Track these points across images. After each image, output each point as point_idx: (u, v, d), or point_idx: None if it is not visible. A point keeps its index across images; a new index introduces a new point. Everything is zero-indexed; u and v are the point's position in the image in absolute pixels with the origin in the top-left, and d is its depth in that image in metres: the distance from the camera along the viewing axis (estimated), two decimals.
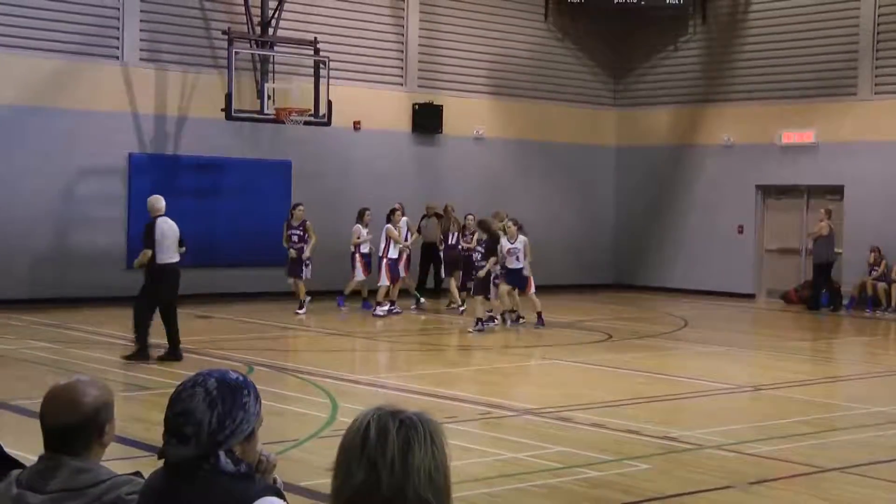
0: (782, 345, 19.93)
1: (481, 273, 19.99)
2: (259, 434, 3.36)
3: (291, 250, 22.00)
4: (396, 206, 22.62)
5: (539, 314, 20.19)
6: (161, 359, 15.30)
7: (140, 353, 15.34)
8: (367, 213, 22.63)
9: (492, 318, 19.95)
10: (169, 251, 15.40)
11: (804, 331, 22.71)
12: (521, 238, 20.03)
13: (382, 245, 22.21)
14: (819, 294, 25.28)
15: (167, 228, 15.49)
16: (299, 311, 21.54)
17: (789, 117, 27.00)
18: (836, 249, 25.30)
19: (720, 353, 18.02)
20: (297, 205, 22.49)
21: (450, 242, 23.64)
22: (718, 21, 28.79)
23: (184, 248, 15.80)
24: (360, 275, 22.45)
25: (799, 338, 21.17)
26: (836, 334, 22.73)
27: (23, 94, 21.95)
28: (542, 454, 10.16)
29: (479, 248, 21.22)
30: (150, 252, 15.43)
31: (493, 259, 19.84)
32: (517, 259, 19.94)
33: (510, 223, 20.08)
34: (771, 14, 27.67)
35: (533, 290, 20.32)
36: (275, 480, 3.42)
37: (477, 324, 19.53)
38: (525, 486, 9.02)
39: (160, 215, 15.63)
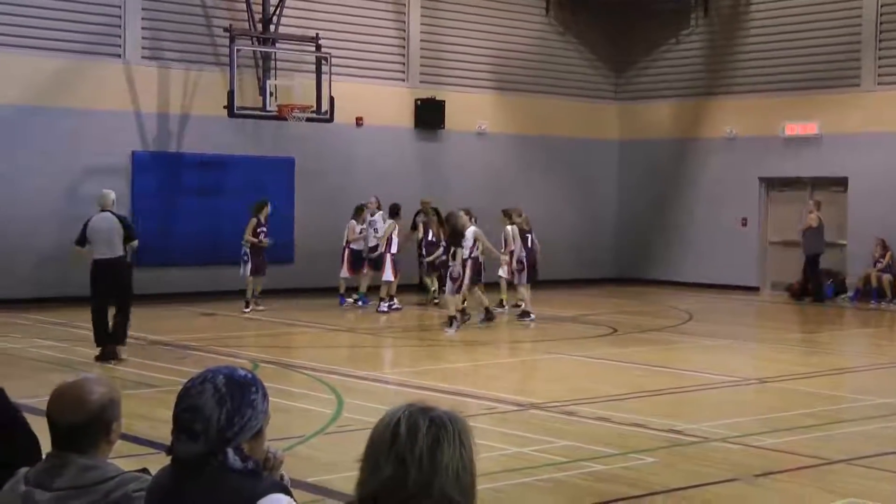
0: (787, 337, 19.94)
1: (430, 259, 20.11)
2: (266, 431, 3.38)
3: (256, 247, 21.41)
4: (371, 200, 22.55)
5: (487, 309, 19.91)
6: (98, 359, 14.90)
7: (103, 354, 14.97)
8: (366, 209, 22.59)
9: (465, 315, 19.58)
10: (100, 247, 15.07)
11: (809, 323, 22.70)
12: (471, 229, 19.75)
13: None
14: (822, 286, 25.35)
15: (97, 223, 15.15)
16: (247, 310, 21.26)
17: (792, 109, 26.97)
18: (825, 241, 25.40)
19: (725, 346, 18.02)
20: (267, 201, 21.97)
21: (429, 239, 23.43)
22: (720, 13, 28.76)
23: (135, 242, 15.48)
24: (345, 272, 22.70)
25: (804, 330, 21.17)
26: (841, 326, 22.72)
27: (26, 93, 21.96)
28: (548, 448, 10.17)
29: (442, 243, 21.37)
30: (78, 248, 15.38)
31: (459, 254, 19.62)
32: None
33: (462, 213, 19.92)
34: (773, 5, 27.64)
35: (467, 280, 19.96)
36: (282, 477, 3.43)
37: (451, 323, 19.13)
38: (530, 480, 9.03)
39: (102, 211, 15.33)
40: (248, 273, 21.22)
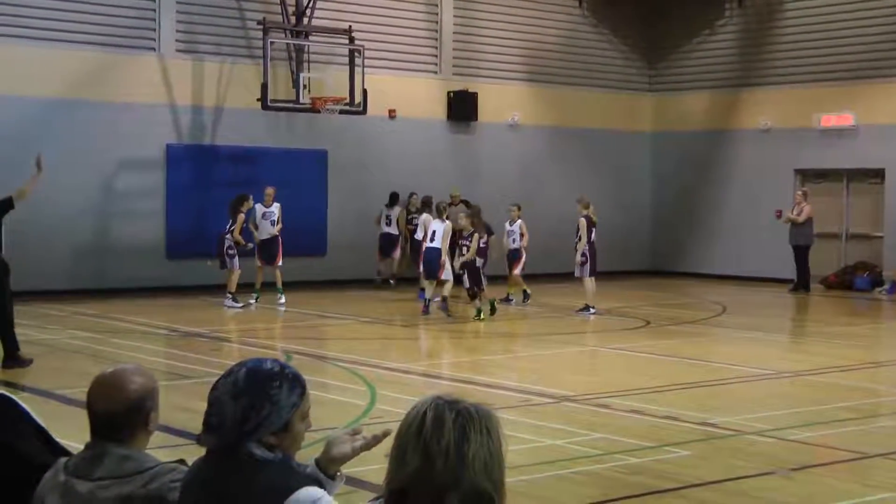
0: (823, 330, 19.82)
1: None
2: (305, 422, 3.36)
3: (257, 235, 21.28)
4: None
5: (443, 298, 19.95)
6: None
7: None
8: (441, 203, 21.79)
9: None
10: None
11: (845, 316, 22.53)
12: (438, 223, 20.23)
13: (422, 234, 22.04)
14: (854, 279, 25.31)
15: None
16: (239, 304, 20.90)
17: (827, 100, 26.77)
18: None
19: (759, 338, 17.91)
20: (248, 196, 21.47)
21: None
22: (755, 3, 28.57)
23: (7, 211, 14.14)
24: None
25: (839, 323, 21.01)
26: (878, 319, 22.55)
27: (61, 87, 22.09)
28: (582, 441, 10.15)
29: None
30: None
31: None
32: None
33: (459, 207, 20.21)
34: None
35: (442, 276, 20.18)
36: (339, 472, 3.44)
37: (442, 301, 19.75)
38: (564, 472, 9.01)
39: None
40: (236, 267, 20.96)
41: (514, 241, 21.87)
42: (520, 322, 19.58)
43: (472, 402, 2.72)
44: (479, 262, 19.73)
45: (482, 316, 19.24)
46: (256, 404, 3.25)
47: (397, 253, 24.88)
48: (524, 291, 22.11)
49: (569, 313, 20.61)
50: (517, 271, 21.87)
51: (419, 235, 21.84)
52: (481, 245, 19.92)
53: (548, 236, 27.49)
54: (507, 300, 21.68)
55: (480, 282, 19.71)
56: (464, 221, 19.96)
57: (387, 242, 25.03)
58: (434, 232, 20.26)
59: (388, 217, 25.05)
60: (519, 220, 21.97)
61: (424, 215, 22.19)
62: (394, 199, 25.02)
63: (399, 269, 25.12)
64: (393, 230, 24.96)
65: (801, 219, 25.13)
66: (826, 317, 22.37)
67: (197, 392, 11.71)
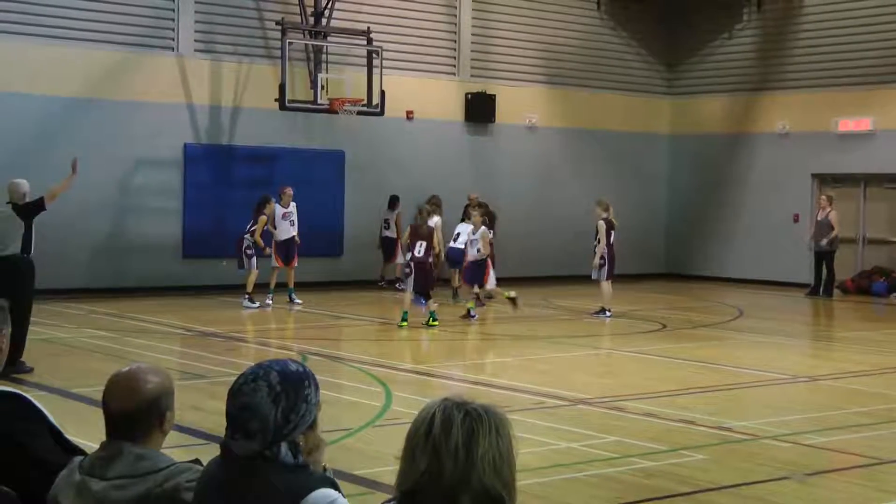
0: (840, 335, 19.76)
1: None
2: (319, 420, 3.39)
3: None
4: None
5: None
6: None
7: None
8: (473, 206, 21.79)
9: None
10: None
11: (862, 321, 22.46)
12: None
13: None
14: (871, 283, 25.21)
15: None
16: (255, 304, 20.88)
17: (845, 105, 26.70)
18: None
19: (776, 342, 17.86)
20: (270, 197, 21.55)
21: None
22: (773, 7, 28.51)
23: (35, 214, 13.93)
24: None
25: (857, 328, 20.94)
26: (895, 325, 22.43)
27: (80, 86, 22.16)
28: (596, 444, 10.14)
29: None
30: None
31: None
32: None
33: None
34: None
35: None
36: (325, 468, 3.44)
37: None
38: (579, 475, 9.01)
39: (9, 203, 13.83)
40: (254, 267, 21.03)
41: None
42: (535, 324, 19.55)
43: (481, 404, 2.73)
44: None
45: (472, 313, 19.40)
46: (295, 406, 3.28)
47: (398, 257, 24.29)
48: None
49: (584, 316, 20.59)
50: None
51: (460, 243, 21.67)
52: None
53: (564, 238, 27.53)
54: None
55: (481, 278, 19.81)
56: (477, 219, 20.04)
57: (387, 246, 24.84)
58: (458, 234, 20.59)
59: (386, 220, 24.91)
60: (601, 222, 20.46)
61: (436, 218, 22.05)
62: (393, 202, 24.86)
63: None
64: (392, 234, 24.76)
65: (820, 217, 24.97)
66: (843, 321, 22.29)
67: (211, 392, 11.73)
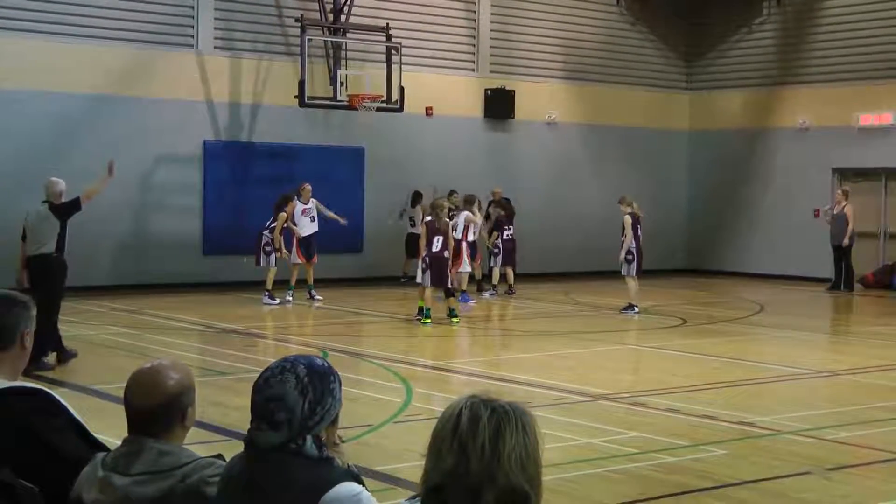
0: (861, 329, 19.69)
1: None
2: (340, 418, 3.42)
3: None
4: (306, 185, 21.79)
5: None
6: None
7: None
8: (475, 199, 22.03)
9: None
10: (29, 243, 13.75)
11: (883, 315, 22.36)
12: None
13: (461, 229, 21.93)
14: (893, 277, 25.12)
15: (30, 216, 13.92)
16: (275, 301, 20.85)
17: (866, 99, 26.59)
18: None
19: (797, 337, 17.81)
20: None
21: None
22: (793, 1, 28.40)
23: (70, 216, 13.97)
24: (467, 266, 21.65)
25: (878, 322, 20.85)
26: None
27: (101, 83, 22.24)
28: (618, 440, 10.12)
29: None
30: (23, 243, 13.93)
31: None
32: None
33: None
34: None
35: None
36: (347, 465, 3.45)
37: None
38: (601, 471, 8.99)
39: (45, 202, 13.88)
40: (272, 264, 21.10)
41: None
42: (556, 320, 19.54)
43: (507, 401, 2.73)
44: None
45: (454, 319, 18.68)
46: (322, 399, 3.31)
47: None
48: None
49: (604, 311, 20.54)
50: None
51: (458, 234, 21.68)
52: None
53: (584, 234, 27.50)
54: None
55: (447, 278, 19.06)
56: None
57: (412, 243, 24.66)
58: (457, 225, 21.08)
59: (411, 218, 24.86)
60: (627, 217, 20.43)
61: (465, 213, 22.02)
62: (416, 198, 24.83)
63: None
64: (417, 230, 24.50)
65: (836, 211, 24.89)
66: (864, 316, 22.20)
67: (231, 388, 11.77)
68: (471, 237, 21.42)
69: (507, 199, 23.93)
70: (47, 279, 13.44)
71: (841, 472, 9.11)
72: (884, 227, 26.64)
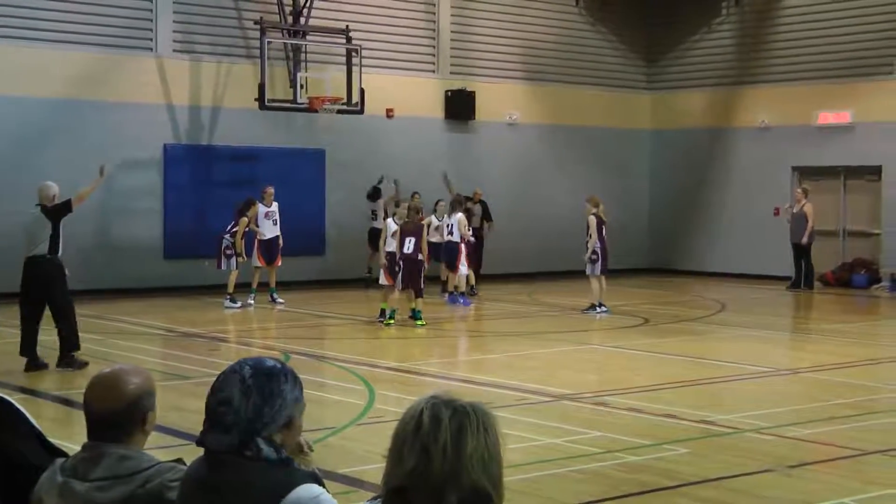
0: (821, 327, 19.82)
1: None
2: (301, 421, 3.38)
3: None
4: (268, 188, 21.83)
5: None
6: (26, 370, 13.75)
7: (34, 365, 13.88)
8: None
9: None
10: (24, 246, 14.13)
11: (843, 313, 22.54)
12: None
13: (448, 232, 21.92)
14: (852, 276, 25.32)
15: (26, 219, 14.27)
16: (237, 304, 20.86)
17: (825, 98, 26.78)
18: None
19: (758, 336, 17.92)
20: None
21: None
22: (752, 1, 28.58)
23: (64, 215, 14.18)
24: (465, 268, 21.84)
25: (838, 320, 21.01)
26: (877, 316, 22.55)
27: (59, 87, 22.06)
28: (580, 439, 10.15)
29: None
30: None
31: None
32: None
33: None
34: None
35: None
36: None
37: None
38: (563, 471, 9.01)
39: (38, 205, 14.10)
40: (234, 267, 21.00)
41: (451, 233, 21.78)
42: (520, 321, 19.57)
43: (468, 401, 2.72)
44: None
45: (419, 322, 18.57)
46: (269, 400, 3.27)
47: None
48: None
49: (567, 312, 20.58)
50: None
51: (456, 237, 21.72)
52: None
53: (546, 235, 27.57)
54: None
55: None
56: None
57: (374, 238, 24.65)
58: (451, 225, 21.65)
59: (373, 212, 24.83)
60: (591, 217, 20.41)
61: (459, 215, 22.00)
62: (376, 193, 24.78)
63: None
64: (379, 225, 24.45)
65: (796, 210, 25.02)
66: (824, 314, 22.37)
67: (193, 392, 11.70)
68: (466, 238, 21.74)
69: (485, 202, 24.38)
70: (47, 286, 13.84)
71: (803, 469, 9.18)
72: (843, 225, 26.84)
